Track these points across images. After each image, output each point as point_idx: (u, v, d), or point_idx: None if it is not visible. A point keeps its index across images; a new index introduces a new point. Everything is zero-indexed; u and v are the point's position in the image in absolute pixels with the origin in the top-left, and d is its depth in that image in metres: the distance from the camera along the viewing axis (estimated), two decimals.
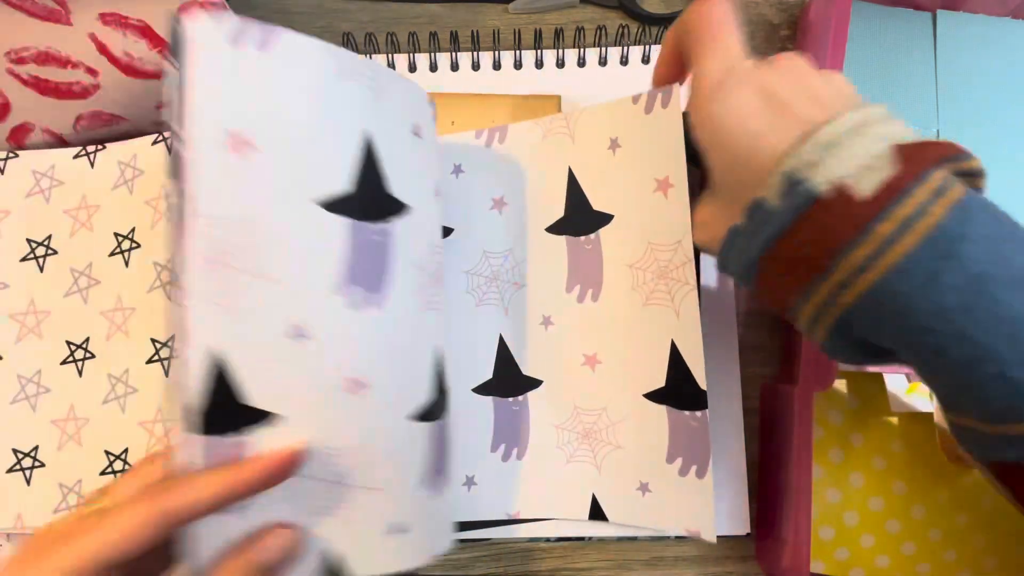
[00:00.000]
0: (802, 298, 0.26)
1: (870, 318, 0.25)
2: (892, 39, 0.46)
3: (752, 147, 0.27)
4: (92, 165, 0.44)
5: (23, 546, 0.26)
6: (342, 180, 0.29)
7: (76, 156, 0.44)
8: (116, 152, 0.43)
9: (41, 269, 0.43)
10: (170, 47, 0.27)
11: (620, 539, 0.42)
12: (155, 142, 0.42)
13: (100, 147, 0.43)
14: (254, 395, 0.27)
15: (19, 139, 0.44)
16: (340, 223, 0.29)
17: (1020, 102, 0.45)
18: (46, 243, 0.44)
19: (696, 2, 0.30)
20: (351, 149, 0.30)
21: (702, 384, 0.34)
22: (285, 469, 0.27)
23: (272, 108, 0.28)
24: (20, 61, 0.40)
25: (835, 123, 0.25)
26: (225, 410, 0.27)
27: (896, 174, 0.24)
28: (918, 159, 0.24)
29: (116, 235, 0.42)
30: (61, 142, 0.45)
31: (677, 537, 0.42)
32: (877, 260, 0.24)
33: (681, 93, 0.33)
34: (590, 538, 0.42)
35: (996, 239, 0.23)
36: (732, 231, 0.28)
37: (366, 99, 0.31)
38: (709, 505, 0.34)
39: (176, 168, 0.27)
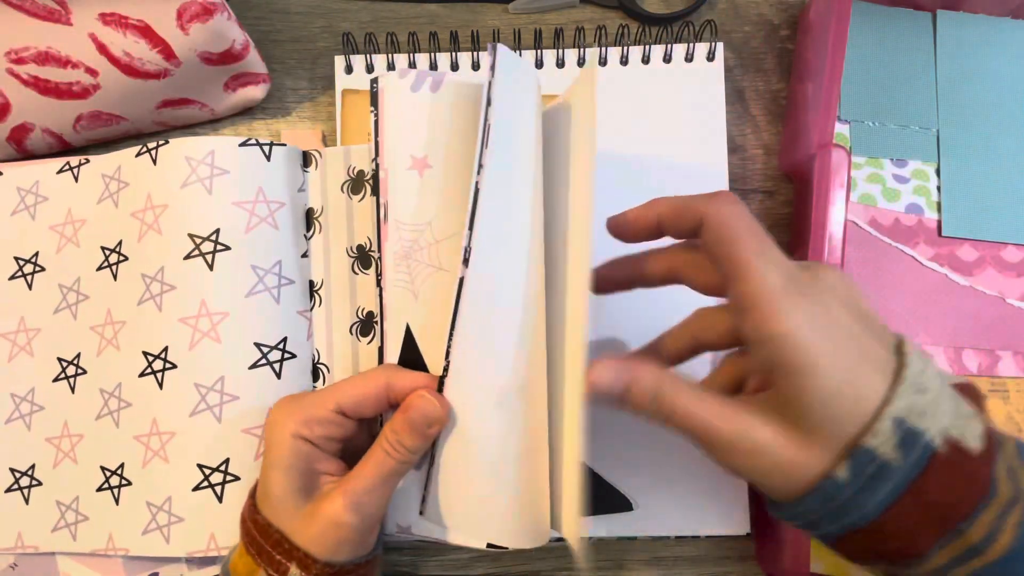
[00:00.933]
0: (916, 559, 0.25)
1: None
2: (892, 39, 0.46)
3: (849, 382, 0.25)
4: (76, 179, 0.43)
5: (285, 397, 0.35)
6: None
7: (60, 171, 0.44)
8: (100, 165, 0.43)
9: (30, 287, 0.43)
10: (370, 98, 0.36)
11: (620, 539, 0.42)
12: (139, 154, 0.41)
13: (84, 160, 0.43)
14: (429, 360, 0.35)
15: (19, 139, 0.44)
16: None
17: (1020, 102, 0.46)
18: (34, 260, 0.43)
19: (714, 205, 0.28)
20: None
21: None
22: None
23: (441, 134, 0.35)
24: (20, 61, 0.40)
25: (911, 361, 0.25)
26: (415, 367, 0.35)
27: (986, 425, 0.25)
28: (980, 400, 0.26)
29: (103, 249, 0.42)
30: (61, 142, 0.45)
31: (677, 537, 0.42)
32: (1006, 520, 0.24)
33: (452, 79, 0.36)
34: (590, 538, 0.42)
35: None
36: (830, 483, 0.25)
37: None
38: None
39: (376, 187, 0.35)
